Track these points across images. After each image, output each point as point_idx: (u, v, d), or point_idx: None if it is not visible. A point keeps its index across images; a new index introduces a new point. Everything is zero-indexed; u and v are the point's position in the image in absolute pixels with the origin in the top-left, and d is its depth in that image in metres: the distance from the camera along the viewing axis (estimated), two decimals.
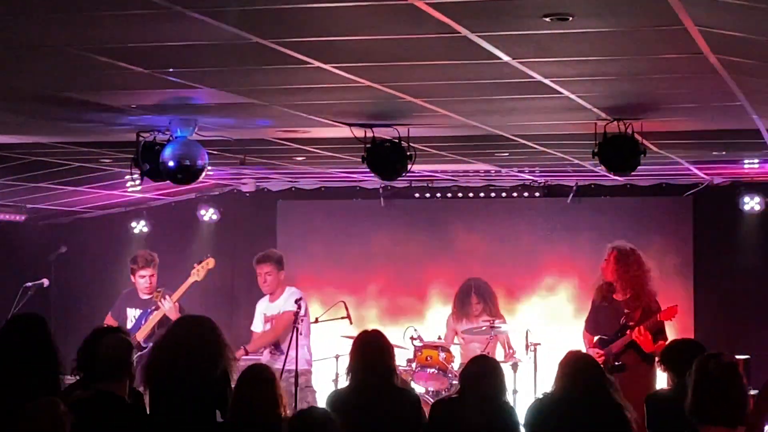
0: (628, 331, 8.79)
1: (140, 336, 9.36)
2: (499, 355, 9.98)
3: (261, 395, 5.55)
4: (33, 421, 4.45)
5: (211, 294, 11.12)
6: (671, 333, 9.08)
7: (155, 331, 9.28)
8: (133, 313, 9.60)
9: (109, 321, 9.59)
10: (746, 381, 5.08)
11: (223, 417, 5.93)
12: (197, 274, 9.76)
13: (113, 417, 5.39)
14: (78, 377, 5.74)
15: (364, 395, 6.05)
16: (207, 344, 5.99)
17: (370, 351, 6.18)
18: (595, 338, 9.04)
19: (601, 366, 6.07)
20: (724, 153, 8.93)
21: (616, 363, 8.75)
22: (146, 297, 9.57)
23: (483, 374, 5.99)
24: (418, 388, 9.04)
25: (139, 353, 9.08)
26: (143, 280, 9.57)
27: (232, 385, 6.00)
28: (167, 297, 9.42)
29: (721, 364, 4.72)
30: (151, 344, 8.99)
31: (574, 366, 5.84)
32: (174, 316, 9.12)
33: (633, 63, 5.34)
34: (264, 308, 9.69)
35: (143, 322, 9.48)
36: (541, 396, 6.14)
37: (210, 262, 9.87)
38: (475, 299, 10.20)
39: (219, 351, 6.01)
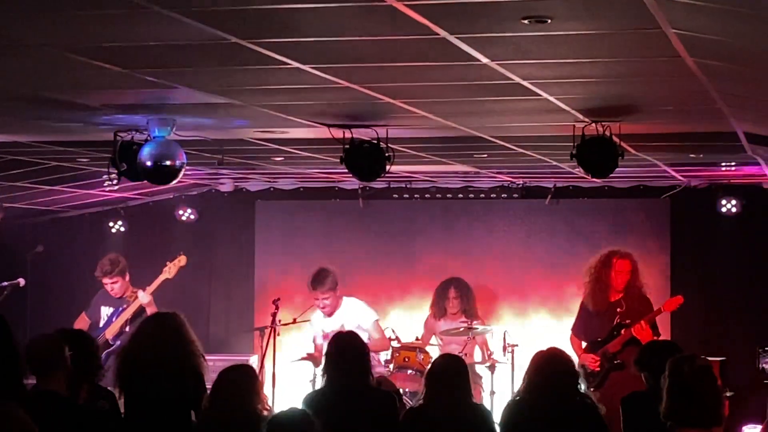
0: (623, 330, 8.84)
1: (109, 334, 9.36)
2: (477, 356, 10.00)
3: (240, 393, 5.55)
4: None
5: (187, 293, 11.08)
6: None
7: (124, 329, 9.27)
8: (106, 311, 9.60)
9: (82, 319, 9.58)
10: (721, 383, 5.12)
11: (197, 418, 5.92)
12: (169, 271, 9.74)
13: (52, 413, 5.32)
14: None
15: (340, 396, 6.05)
16: (173, 341, 5.99)
17: (345, 352, 6.19)
18: (584, 343, 9.06)
19: (572, 363, 6.09)
20: (701, 156, 8.97)
21: (616, 362, 8.79)
22: (119, 297, 9.58)
23: (447, 374, 5.99)
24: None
25: (107, 351, 9.09)
26: (109, 287, 9.59)
27: (206, 384, 6.00)
28: (141, 291, 9.40)
29: (694, 366, 4.75)
30: (119, 342, 8.99)
31: (543, 365, 5.85)
32: (152, 308, 9.12)
33: (611, 66, 5.35)
34: (322, 325, 9.53)
35: (114, 319, 9.47)
36: (514, 397, 6.13)
37: (182, 260, 9.84)
38: (453, 293, 10.24)
39: (185, 347, 6.00)
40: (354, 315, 9.46)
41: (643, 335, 8.72)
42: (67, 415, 5.37)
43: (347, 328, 9.26)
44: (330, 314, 9.45)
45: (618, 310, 8.95)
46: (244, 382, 5.61)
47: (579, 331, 9.25)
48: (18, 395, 4.98)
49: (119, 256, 9.80)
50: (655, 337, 8.83)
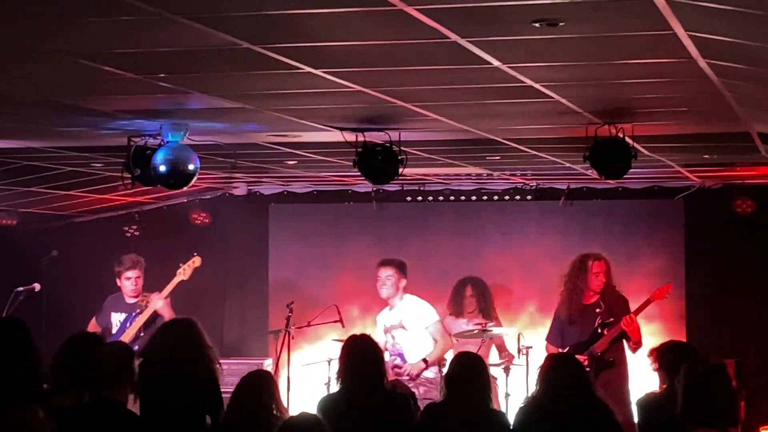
0: (606, 330, 8.84)
1: (125, 340, 9.33)
2: (492, 358, 9.99)
3: (259, 397, 5.56)
4: (10, 429, 4.40)
5: (202, 297, 11.10)
6: (663, 337, 9.11)
7: (140, 334, 9.25)
8: (118, 318, 9.54)
9: (93, 326, 9.55)
10: (736, 384, 5.11)
11: (213, 423, 5.93)
12: (183, 273, 9.68)
13: (113, 423, 5.35)
14: (53, 384, 5.67)
15: (354, 399, 6.05)
16: (188, 347, 6.01)
17: (359, 355, 6.19)
18: (567, 348, 9.02)
19: (584, 366, 6.08)
20: (715, 156, 8.95)
21: (608, 359, 8.78)
22: (132, 301, 9.52)
23: (465, 376, 5.98)
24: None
25: None
26: (129, 282, 9.50)
27: (221, 389, 6.01)
28: (155, 294, 9.34)
29: (708, 366, 4.75)
30: (135, 348, 8.98)
31: (556, 368, 5.84)
32: (167, 312, 9.10)
33: (623, 68, 5.34)
34: (384, 320, 9.53)
35: (128, 325, 9.43)
36: (527, 401, 6.11)
37: (196, 261, 9.78)
38: (469, 291, 10.27)
39: (201, 353, 6.02)
40: (415, 313, 9.40)
41: (632, 328, 8.74)
42: (127, 428, 5.37)
43: (406, 325, 9.32)
44: (388, 297, 9.41)
45: (597, 310, 8.96)
46: (263, 387, 5.62)
47: (555, 338, 9.21)
48: (37, 398, 5.02)
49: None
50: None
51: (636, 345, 8.84)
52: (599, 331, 8.91)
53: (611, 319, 8.90)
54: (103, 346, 5.76)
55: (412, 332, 9.31)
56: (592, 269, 9.08)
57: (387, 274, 9.44)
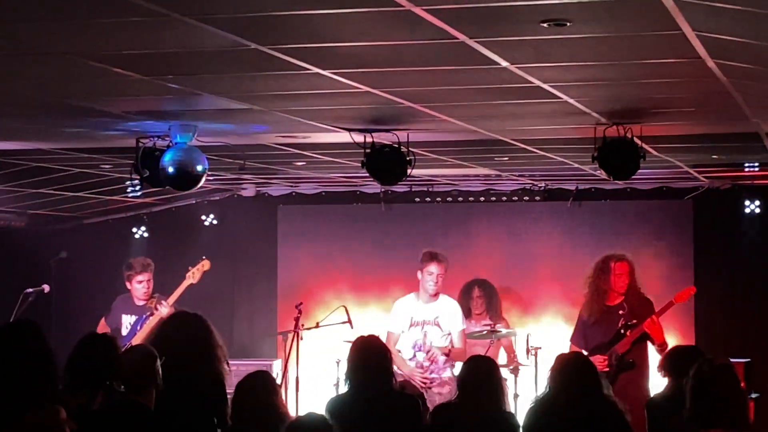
0: (629, 331, 8.81)
1: (136, 342, 9.31)
2: (501, 359, 9.99)
3: (262, 401, 5.56)
4: (36, 430, 4.41)
5: (211, 298, 11.08)
6: (672, 338, 9.09)
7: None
8: (128, 320, 9.53)
9: (102, 326, 9.54)
10: (746, 385, 5.09)
11: (219, 424, 5.93)
12: (192, 276, 9.67)
13: (139, 426, 5.36)
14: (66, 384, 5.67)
15: (362, 400, 6.05)
16: (196, 341, 5.99)
17: (368, 356, 6.19)
18: (585, 352, 8.98)
19: (594, 366, 6.06)
20: (723, 157, 8.94)
21: (629, 360, 8.75)
22: (142, 303, 9.52)
23: (478, 378, 5.98)
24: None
25: None
26: (140, 285, 9.48)
27: (228, 390, 6.00)
28: (163, 302, 9.34)
29: (715, 368, 4.73)
30: None
31: (566, 367, 5.83)
32: None
33: (631, 68, 5.34)
34: (411, 311, 9.34)
35: (138, 328, 9.41)
36: (536, 400, 6.09)
37: (205, 264, 9.78)
38: (477, 292, 10.26)
39: (209, 349, 6.01)
40: (451, 314, 9.32)
41: (654, 329, 8.70)
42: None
43: (442, 323, 9.23)
44: (435, 293, 9.27)
45: (620, 312, 8.92)
46: (262, 388, 5.62)
47: (579, 339, 9.17)
48: (54, 399, 5.02)
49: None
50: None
51: (661, 347, 8.78)
52: (622, 332, 8.88)
53: (634, 321, 8.87)
54: (129, 349, 5.75)
55: (443, 332, 9.28)
56: (614, 270, 9.02)
57: (440, 270, 9.26)
